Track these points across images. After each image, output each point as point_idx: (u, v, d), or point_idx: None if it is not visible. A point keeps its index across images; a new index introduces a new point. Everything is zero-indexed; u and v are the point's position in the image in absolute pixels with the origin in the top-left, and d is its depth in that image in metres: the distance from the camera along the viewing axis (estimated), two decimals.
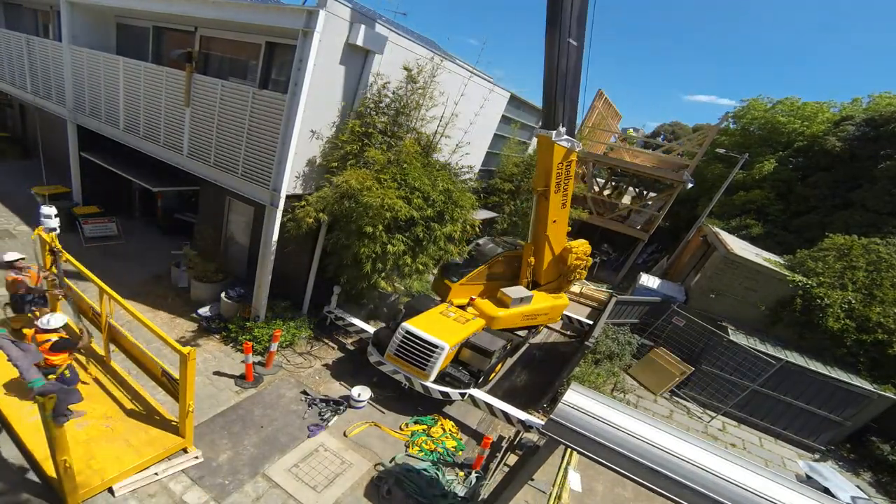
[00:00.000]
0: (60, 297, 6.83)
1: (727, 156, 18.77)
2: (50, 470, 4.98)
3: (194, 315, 9.20)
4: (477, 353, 8.27)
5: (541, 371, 10.68)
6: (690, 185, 16.76)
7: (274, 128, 7.62)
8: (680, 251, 18.44)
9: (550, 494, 6.75)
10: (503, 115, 13.23)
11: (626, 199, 23.98)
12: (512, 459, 7.46)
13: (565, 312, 12.21)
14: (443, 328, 8.13)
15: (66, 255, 6.58)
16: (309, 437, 6.97)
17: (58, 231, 6.53)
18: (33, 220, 11.67)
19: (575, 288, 16.04)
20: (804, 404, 10.20)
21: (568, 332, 13.10)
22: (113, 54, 10.41)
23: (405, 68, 8.51)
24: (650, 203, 20.16)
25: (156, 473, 5.68)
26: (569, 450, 7.52)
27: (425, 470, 6.68)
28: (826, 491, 8.36)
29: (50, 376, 5.31)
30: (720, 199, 18.14)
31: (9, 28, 13.63)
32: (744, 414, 10.76)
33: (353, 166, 8.05)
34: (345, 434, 7.18)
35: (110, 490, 5.34)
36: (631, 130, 22.24)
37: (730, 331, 11.07)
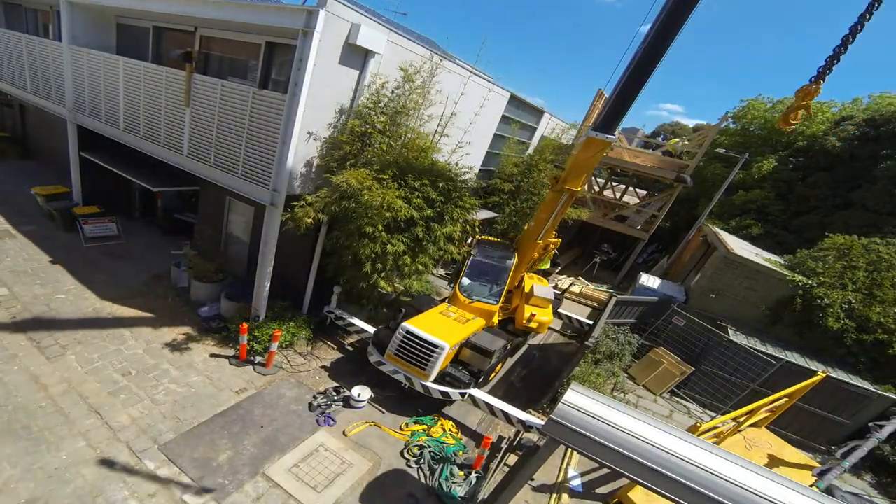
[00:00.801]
0: None
1: (727, 155, 18.76)
2: None
3: (194, 315, 9.21)
4: (477, 352, 8.28)
5: (541, 371, 10.68)
6: (688, 185, 16.73)
7: (274, 128, 7.61)
8: (680, 251, 18.44)
9: (551, 495, 6.74)
10: (503, 115, 13.23)
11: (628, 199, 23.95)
12: (512, 459, 7.46)
13: (565, 312, 12.25)
14: (443, 328, 8.13)
15: None
16: (320, 425, 7.21)
17: None
18: (34, 220, 11.76)
19: (575, 288, 16.06)
20: (804, 404, 10.19)
21: (568, 332, 13.10)
22: (113, 54, 10.40)
23: (402, 69, 8.51)
24: (649, 203, 20.13)
25: None
26: (569, 450, 7.54)
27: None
28: (827, 491, 8.34)
29: None
30: (720, 199, 18.13)
31: (9, 28, 13.64)
32: None
33: (353, 166, 8.06)
34: (344, 434, 7.19)
35: None
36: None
37: (730, 331, 11.07)
